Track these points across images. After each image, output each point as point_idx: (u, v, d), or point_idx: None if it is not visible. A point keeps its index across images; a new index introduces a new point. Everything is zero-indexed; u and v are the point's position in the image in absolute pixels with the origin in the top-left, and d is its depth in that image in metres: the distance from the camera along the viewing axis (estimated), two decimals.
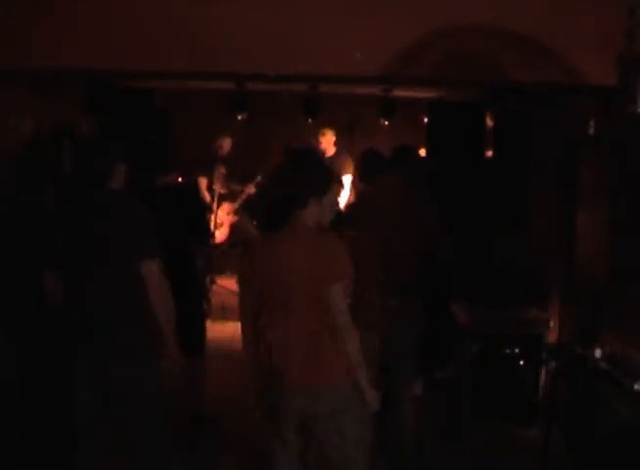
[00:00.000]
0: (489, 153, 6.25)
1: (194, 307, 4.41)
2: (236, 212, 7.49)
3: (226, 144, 7.43)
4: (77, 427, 3.12)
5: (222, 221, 7.55)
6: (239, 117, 6.93)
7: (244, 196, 7.48)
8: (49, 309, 3.29)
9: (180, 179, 5.61)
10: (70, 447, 3.17)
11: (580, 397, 3.90)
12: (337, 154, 7.50)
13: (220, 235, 7.60)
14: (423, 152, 6.58)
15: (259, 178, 7.46)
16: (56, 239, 3.12)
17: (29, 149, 4.55)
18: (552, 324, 4.84)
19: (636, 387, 3.40)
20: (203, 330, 4.56)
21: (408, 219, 3.96)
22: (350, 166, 7.47)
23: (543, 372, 4.75)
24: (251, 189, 7.47)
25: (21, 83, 4.61)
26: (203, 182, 7.31)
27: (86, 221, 3.05)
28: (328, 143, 7.45)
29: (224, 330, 6.45)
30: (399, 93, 6.68)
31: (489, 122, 6.27)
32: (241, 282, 2.92)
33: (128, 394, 3.03)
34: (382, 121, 7.11)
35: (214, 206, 7.33)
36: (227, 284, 7.67)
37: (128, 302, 3.02)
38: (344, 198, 7.40)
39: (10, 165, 4.24)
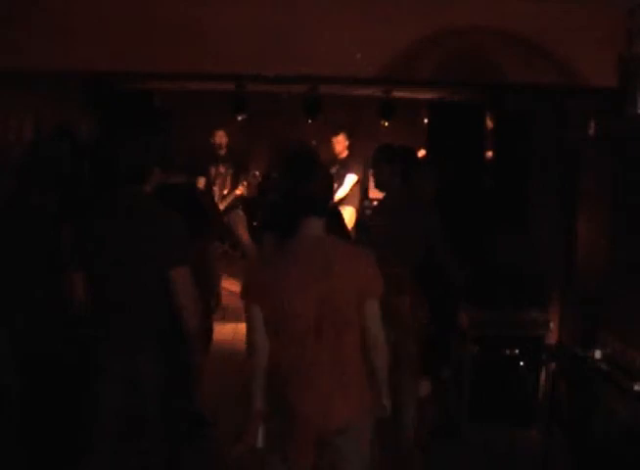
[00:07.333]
0: (489, 154, 6.26)
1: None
2: (223, 214, 7.46)
3: (221, 137, 7.40)
4: (96, 427, 3.08)
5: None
6: (239, 118, 6.93)
7: (231, 198, 7.46)
8: (64, 311, 3.26)
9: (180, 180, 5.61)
10: (73, 453, 3.16)
11: (580, 397, 3.90)
12: (349, 156, 7.53)
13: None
14: (422, 152, 6.58)
15: (251, 178, 7.47)
16: (82, 239, 3.05)
17: (29, 150, 4.54)
18: (552, 325, 4.84)
19: (636, 388, 3.40)
20: (209, 329, 4.53)
21: (409, 223, 3.96)
22: (358, 168, 7.51)
23: (543, 373, 4.75)
24: (239, 191, 7.45)
25: (21, 84, 4.60)
26: (201, 182, 7.30)
27: (119, 223, 2.98)
28: (341, 146, 7.48)
29: (224, 330, 6.45)
30: (399, 94, 6.68)
31: (489, 123, 6.27)
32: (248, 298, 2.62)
33: (153, 392, 3.02)
34: (382, 122, 7.12)
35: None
36: (227, 284, 7.67)
37: (156, 304, 3.00)
38: (341, 194, 7.41)
39: (10, 167, 4.23)
